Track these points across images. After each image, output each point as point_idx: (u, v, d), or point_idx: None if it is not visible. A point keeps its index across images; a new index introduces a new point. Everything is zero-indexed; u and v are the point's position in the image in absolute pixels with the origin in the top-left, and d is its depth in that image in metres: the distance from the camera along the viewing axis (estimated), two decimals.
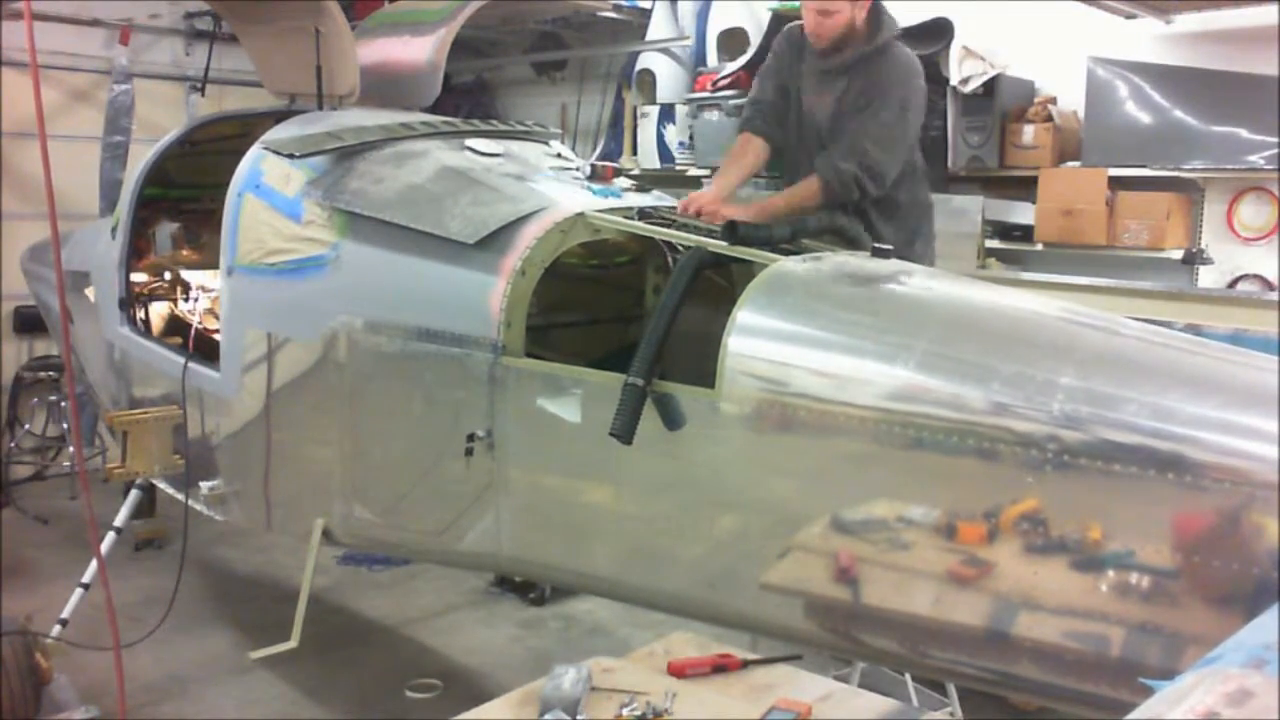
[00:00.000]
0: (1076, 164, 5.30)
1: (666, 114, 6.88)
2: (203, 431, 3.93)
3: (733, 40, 6.59)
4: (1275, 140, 4.75)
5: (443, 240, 3.05)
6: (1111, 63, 5.20)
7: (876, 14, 3.63)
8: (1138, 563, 2.01)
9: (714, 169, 6.54)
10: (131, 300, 4.54)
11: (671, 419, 2.54)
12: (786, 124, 3.84)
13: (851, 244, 3.07)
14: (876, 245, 2.84)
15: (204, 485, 3.91)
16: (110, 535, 4.28)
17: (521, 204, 3.09)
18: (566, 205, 3.11)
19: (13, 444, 7.26)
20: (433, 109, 4.39)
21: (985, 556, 2.17)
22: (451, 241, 3.03)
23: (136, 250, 4.71)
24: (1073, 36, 5.41)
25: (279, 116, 4.04)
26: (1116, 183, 5.14)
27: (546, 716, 2.27)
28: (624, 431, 2.51)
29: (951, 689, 3.86)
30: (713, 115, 6.45)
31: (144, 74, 7.50)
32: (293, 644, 3.40)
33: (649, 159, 6.96)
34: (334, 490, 3.41)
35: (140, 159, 4.62)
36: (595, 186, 3.39)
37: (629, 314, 3.99)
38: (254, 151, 3.69)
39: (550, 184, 3.36)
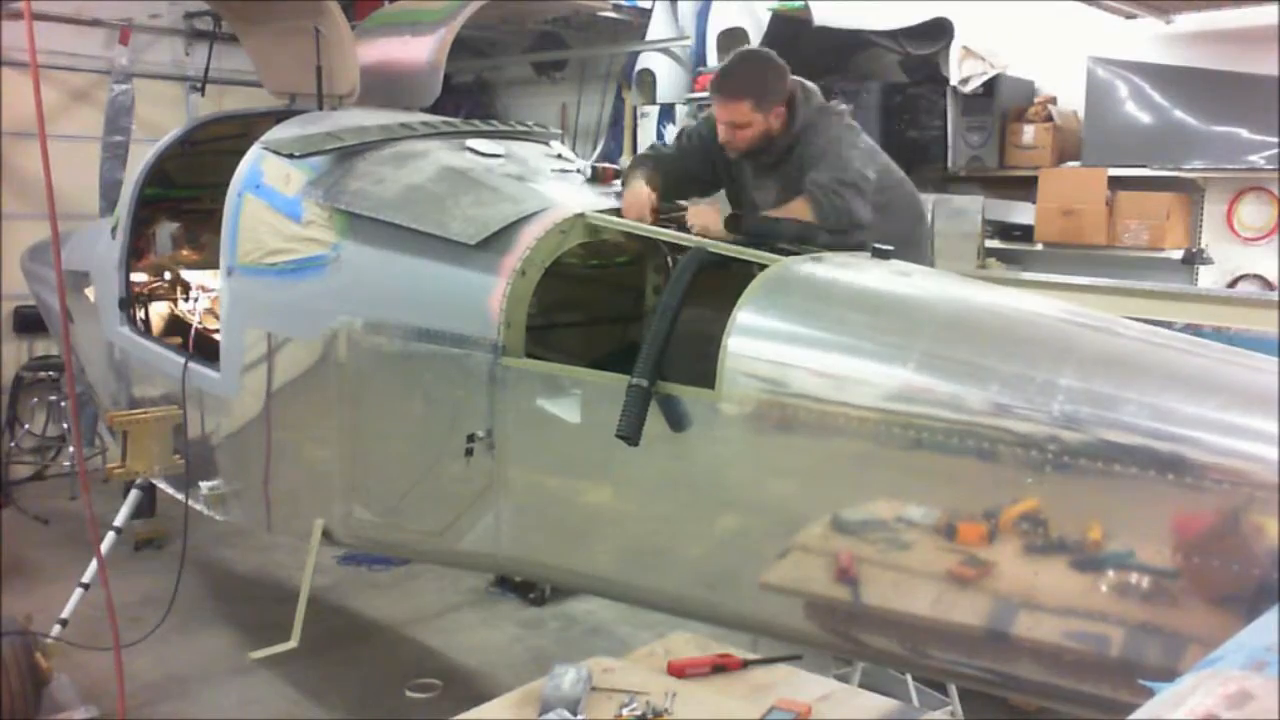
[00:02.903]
0: (1076, 164, 5.30)
1: (666, 114, 6.87)
2: (203, 431, 3.93)
3: (733, 40, 6.57)
4: (1275, 140, 4.75)
5: (443, 240, 3.05)
6: (1111, 63, 5.21)
7: (792, 102, 3.34)
8: (1138, 563, 2.01)
9: None
10: (131, 300, 4.54)
11: (676, 420, 2.54)
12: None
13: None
14: (876, 245, 2.84)
15: (204, 485, 3.91)
16: (110, 535, 4.27)
17: (522, 204, 3.09)
18: (567, 205, 3.11)
19: (13, 444, 7.26)
20: (433, 109, 4.39)
21: (985, 557, 2.16)
22: (452, 242, 3.03)
23: (136, 250, 4.71)
24: (1073, 36, 5.41)
25: (279, 116, 4.04)
26: (1116, 183, 5.14)
27: (549, 716, 2.27)
28: (631, 433, 2.51)
29: (951, 689, 3.86)
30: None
31: (144, 74, 7.50)
32: (293, 644, 3.40)
33: None
34: (334, 490, 3.41)
35: (140, 159, 4.62)
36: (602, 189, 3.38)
37: (629, 314, 3.99)
38: (254, 151, 3.68)
39: (551, 184, 3.36)
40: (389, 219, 3.17)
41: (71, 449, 7.08)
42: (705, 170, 3.54)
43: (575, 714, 2.28)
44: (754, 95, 3.24)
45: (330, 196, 3.34)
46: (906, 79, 5.92)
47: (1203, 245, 5.14)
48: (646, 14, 7.01)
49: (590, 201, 3.22)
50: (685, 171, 3.53)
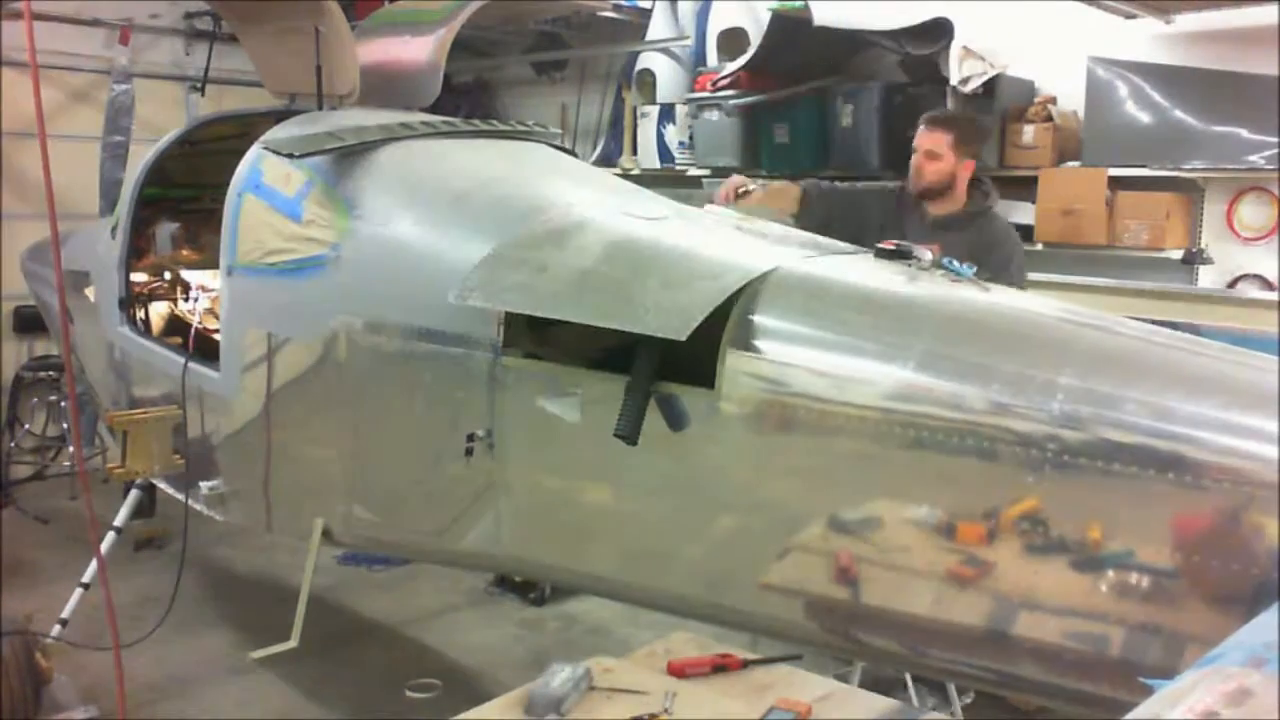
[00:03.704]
0: (1076, 164, 5.30)
1: (666, 114, 6.88)
2: (203, 431, 3.93)
3: (733, 40, 6.59)
4: (1275, 140, 4.75)
5: (441, 239, 3.05)
6: (1111, 63, 5.20)
7: (980, 185, 4.05)
8: (1138, 563, 2.01)
9: (714, 169, 6.57)
10: (131, 300, 4.54)
11: (675, 420, 2.54)
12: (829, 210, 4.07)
13: None
14: (879, 246, 2.84)
15: (204, 485, 3.90)
16: (110, 535, 4.28)
17: (723, 277, 2.59)
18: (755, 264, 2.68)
19: (13, 444, 7.26)
20: (433, 109, 4.39)
21: (985, 556, 2.16)
22: (450, 240, 3.03)
23: (136, 250, 4.71)
24: (1073, 36, 5.40)
25: (279, 116, 4.04)
26: (1116, 183, 5.14)
27: (548, 717, 2.27)
28: (629, 432, 2.50)
29: (952, 689, 3.86)
30: (713, 115, 6.45)
31: (144, 74, 7.50)
32: (293, 644, 3.40)
33: (649, 159, 6.96)
34: (334, 490, 3.41)
35: (140, 159, 4.62)
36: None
37: None
38: (254, 151, 3.68)
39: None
40: (571, 316, 2.70)
41: (71, 449, 7.08)
42: (873, 213, 4.01)
43: (560, 713, 2.28)
44: (957, 132, 3.91)
45: (490, 297, 2.81)
46: (906, 79, 5.91)
47: (1203, 245, 5.14)
48: (646, 14, 7.01)
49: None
50: (852, 204, 4.09)
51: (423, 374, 3.09)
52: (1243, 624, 1.50)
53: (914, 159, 3.98)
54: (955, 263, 2.69)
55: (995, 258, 3.83)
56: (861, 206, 4.11)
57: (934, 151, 3.90)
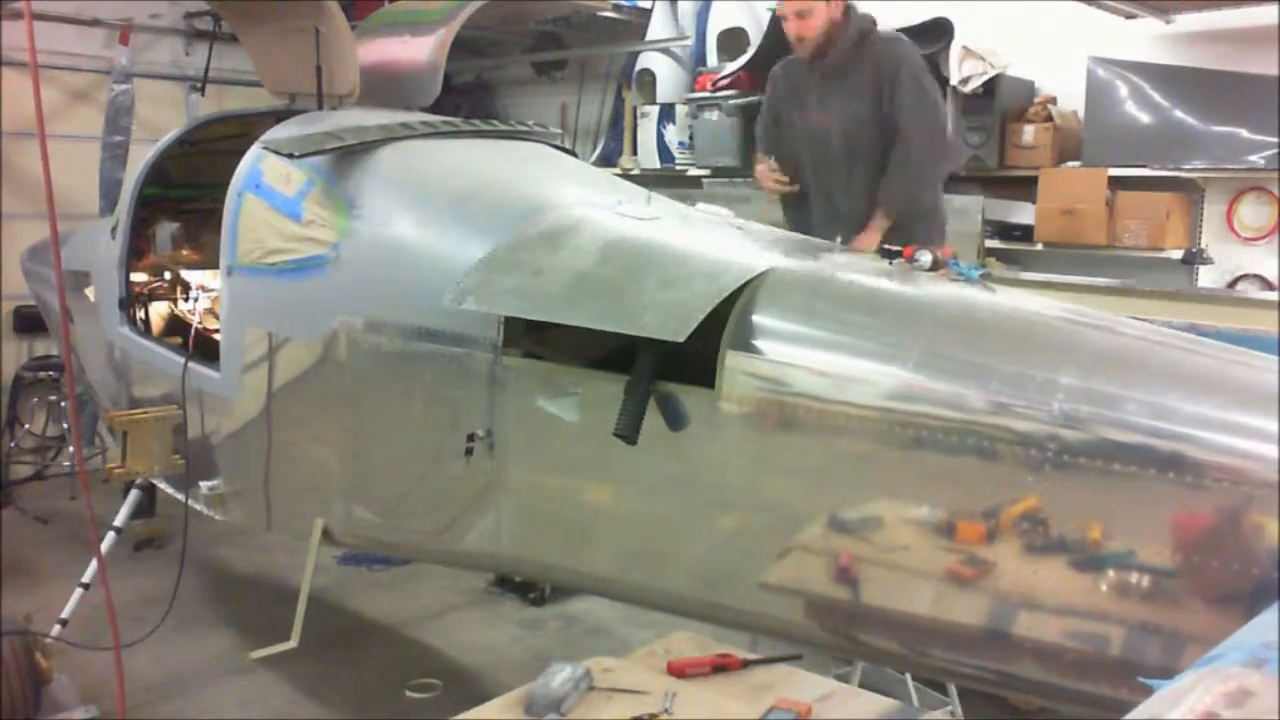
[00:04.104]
0: (1076, 164, 5.30)
1: (666, 114, 6.88)
2: (203, 431, 3.93)
3: (733, 40, 6.59)
4: (1275, 140, 4.75)
5: (441, 239, 3.05)
6: (1111, 63, 5.21)
7: (848, 12, 3.99)
8: (1138, 562, 2.01)
9: (714, 169, 6.57)
10: (131, 300, 4.54)
11: (675, 419, 2.54)
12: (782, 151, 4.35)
13: None
14: (883, 246, 2.84)
15: (204, 485, 3.91)
16: (110, 535, 4.28)
17: (720, 276, 2.58)
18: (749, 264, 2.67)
19: (13, 444, 7.26)
20: (433, 109, 4.39)
21: (985, 556, 2.17)
22: (450, 241, 3.03)
23: (136, 250, 4.71)
24: (1073, 36, 5.41)
25: (279, 116, 4.04)
26: (1116, 183, 5.14)
27: (548, 717, 2.27)
28: (629, 432, 2.50)
29: (952, 689, 3.86)
30: (713, 115, 6.46)
31: (144, 74, 7.49)
32: (293, 644, 3.40)
33: (649, 159, 6.96)
34: (334, 490, 3.41)
35: (140, 159, 4.62)
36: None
37: None
38: (254, 151, 3.68)
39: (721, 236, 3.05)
40: (566, 319, 2.69)
41: (71, 449, 7.08)
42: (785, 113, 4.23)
43: (560, 712, 2.28)
44: None
45: (484, 301, 2.79)
46: None
47: (1203, 245, 5.14)
48: (646, 14, 7.01)
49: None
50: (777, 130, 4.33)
51: (423, 374, 3.09)
52: (1243, 624, 1.50)
53: (787, 28, 3.96)
54: (959, 262, 2.69)
55: (905, 75, 3.96)
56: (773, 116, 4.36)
57: (802, 11, 3.86)
